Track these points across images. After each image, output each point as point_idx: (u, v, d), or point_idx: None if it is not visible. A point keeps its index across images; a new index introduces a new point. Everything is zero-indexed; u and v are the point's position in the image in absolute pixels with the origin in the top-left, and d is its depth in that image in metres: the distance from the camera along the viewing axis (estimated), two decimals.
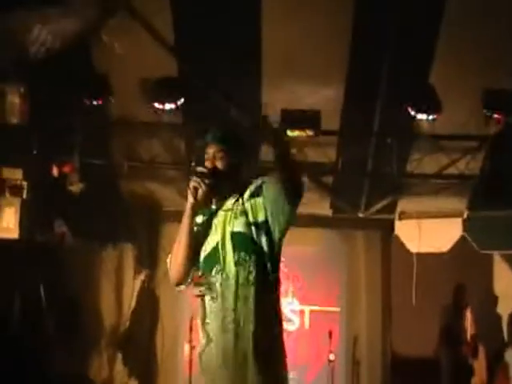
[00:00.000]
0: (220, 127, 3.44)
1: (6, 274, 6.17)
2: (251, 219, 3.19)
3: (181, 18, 5.99)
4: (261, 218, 3.16)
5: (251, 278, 3.15)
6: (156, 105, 6.36)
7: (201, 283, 3.19)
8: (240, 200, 3.25)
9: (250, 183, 3.25)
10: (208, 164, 3.20)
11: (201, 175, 3.14)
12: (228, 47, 6.01)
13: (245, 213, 3.22)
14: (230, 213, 3.25)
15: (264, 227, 3.16)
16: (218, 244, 3.19)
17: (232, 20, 5.85)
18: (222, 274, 3.15)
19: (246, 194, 3.24)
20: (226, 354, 3.09)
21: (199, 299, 3.19)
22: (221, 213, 3.24)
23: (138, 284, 8.05)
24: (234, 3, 5.76)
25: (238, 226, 3.20)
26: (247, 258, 3.18)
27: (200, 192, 3.12)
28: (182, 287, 3.24)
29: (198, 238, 3.18)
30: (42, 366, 6.61)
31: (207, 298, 3.15)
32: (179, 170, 7.25)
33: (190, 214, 3.16)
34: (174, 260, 3.19)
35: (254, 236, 3.18)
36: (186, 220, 3.16)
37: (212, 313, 3.13)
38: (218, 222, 3.22)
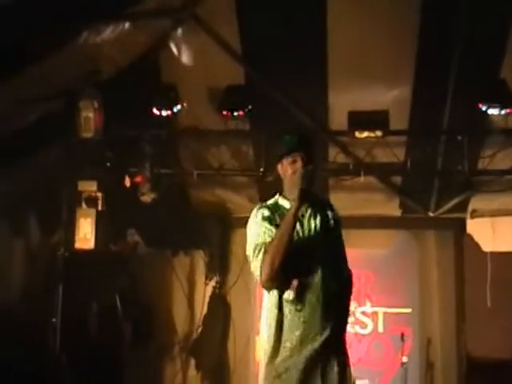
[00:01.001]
0: (293, 131, 3.46)
1: (83, 282, 6.33)
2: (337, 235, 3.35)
3: (247, 25, 6.02)
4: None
5: (338, 290, 3.25)
6: (224, 112, 6.42)
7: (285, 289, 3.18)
8: (327, 215, 3.35)
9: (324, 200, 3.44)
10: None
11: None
12: (294, 52, 6.02)
13: (332, 229, 3.34)
14: (319, 223, 3.31)
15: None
16: (309, 252, 3.22)
17: (297, 25, 5.85)
18: (313, 285, 3.18)
19: (330, 214, 3.36)
20: (307, 364, 3.14)
21: (273, 308, 3.18)
22: (308, 220, 3.29)
23: (209, 290, 8.11)
24: (299, 9, 5.75)
25: (330, 240, 3.31)
26: (335, 270, 3.27)
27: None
28: (271, 288, 3.19)
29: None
30: (118, 373, 6.74)
31: (289, 307, 3.15)
32: (248, 177, 7.30)
33: (296, 212, 3.15)
34: (271, 259, 3.10)
35: (339, 250, 3.33)
36: (291, 218, 3.13)
37: (294, 322, 3.15)
38: (305, 229, 3.25)
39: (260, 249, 3.15)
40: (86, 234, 6.28)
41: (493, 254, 7.60)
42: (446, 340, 8.06)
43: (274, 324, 3.17)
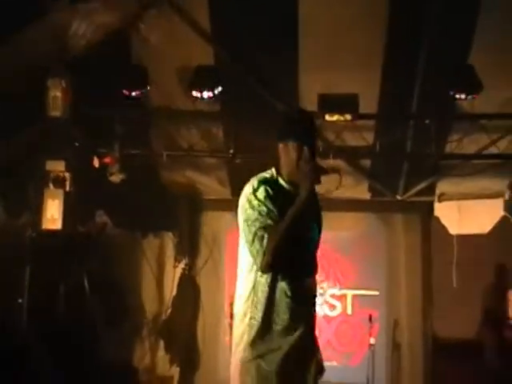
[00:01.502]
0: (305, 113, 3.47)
1: (51, 263, 6.27)
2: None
3: (217, 6, 6.00)
4: None
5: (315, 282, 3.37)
6: (194, 93, 6.39)
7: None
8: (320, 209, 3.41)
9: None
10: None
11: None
12: (264, 34, 6.01)
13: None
14: (315, 216, 3.37)
15: None
16: (305, 245, 3.26)
17: (268, 6, 5.84)
18: (307, 276, 3.27)
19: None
20: (291, 349, 3.17)
21: (264, 288, 3.16)
22: (309, 213, 3.26)
23: (178, 272, 8.13)
24: None
25: (317, 234, 3.36)
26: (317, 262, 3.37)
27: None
28: (269, 272, 3.14)
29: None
30: (86, 354, 6.71)
31: (280, 291, 3.16)
32: (218, 159, 7.30)
33: (305, 204, 3.12)
34: (277, 246, 3.07)
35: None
36: (300, 209, 3.10)
37: (283, 306, 3.16)
38: (305, 220, 3.21)
39: (263, 233, 3.09)
40: (53, 215, 6.19)
41: (459, 236, 7.71)
42: (413, 321, 8.18)
43: (264, 305, 3.15)
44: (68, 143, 6.27)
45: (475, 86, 6.13)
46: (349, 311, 8.25)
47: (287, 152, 3.25)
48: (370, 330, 7.53)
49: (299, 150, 3.21)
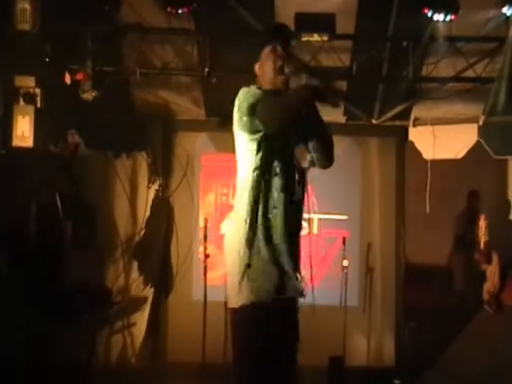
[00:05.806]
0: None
1: (22, 182, 6.18)
2: None
3: None
4: None
5: None
6: (168, 10, 6.23)
7: None
8: None
9: None
10: None
11: None
12: None
13: None
14: None
15: None
16: None
17: None
18: None
19: None
20: None
21: None
22: None
23: (152, 193, 8.09)
24: None
25: None
26: None
27: None
28: None
29: None
30: (60, 276, 6.71)
31: None
32: (192, 77, 7.18)
33: None
34: None
35: None
36: None
37: None
38: None
39: None
40: (24, 132, 6.03)
41: (433, 161, 7.71)
42: (386, 245, 8.26)
43: None
44: (38, 58, 6.08)
45: (453, 7, 6.03)
46: (314, 231, 8.23)
47: (263, 64, 3.35)
48: (343, 252, 7.61)
49: (273, 52, 3.31)
